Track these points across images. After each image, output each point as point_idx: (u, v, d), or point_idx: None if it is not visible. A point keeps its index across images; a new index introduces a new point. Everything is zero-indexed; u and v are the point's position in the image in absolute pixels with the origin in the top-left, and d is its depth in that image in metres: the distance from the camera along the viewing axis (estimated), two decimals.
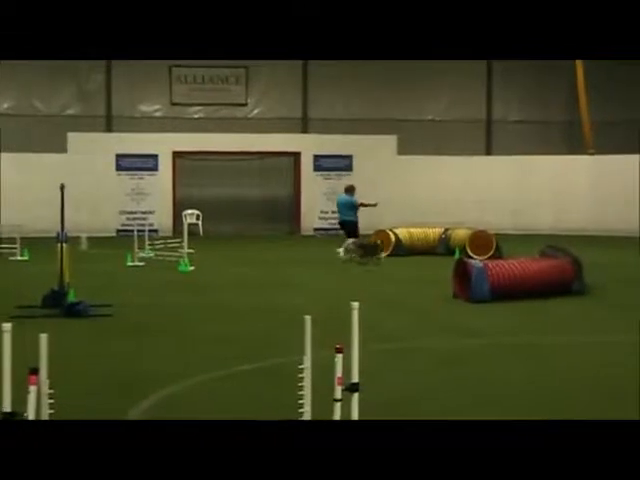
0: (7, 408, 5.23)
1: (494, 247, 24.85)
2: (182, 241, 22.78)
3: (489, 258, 22.30)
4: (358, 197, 25.00)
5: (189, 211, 26.54)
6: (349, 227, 24.39)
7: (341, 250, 23.83)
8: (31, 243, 25.75)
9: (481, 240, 25.36)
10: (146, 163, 35.94)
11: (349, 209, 24.56)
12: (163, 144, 35.84)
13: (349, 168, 36.86)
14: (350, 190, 24.99)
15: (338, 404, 6.40)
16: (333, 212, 36.31)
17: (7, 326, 5.25)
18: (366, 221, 29.59)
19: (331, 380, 6.43)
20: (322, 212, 36.68)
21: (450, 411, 8.61)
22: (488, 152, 39.95)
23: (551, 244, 20.06)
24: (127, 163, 35.80)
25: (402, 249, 26.12)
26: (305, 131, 38.79)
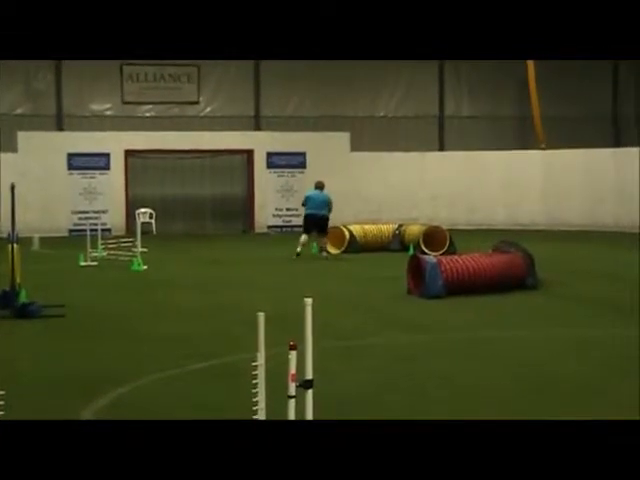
0: None
1: (448, 243, 24.94)
2: (135, 240, 22.63)
3: (443, 254, 22.37)
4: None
5: (142, 210, 26.41)
6: (325, 223, 24.44)
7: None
8: None
9: (435, 236, 25.45)
10: (98, 162, 35.68)
11: (326, 205, 24.51)
12: (115, 143, 35.60)
13: (302, 165, 36.85)
14: (322, 187, 24.91)
15: (292, 401, 6.38)
16: (288, 209, 36.41)
17: None
18: None
19: (285, 377, 6.41)
20: (276, 209, 36.64)
21: (404, 408, 8.63)
22: (441, 148, 40.11)
23: (504, 239, 20.17)
24: (79, 162, 35.50)
25: (356, 246, 26.15)
26: (258, 128, 38.72)
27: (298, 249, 23.82)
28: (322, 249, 24.44)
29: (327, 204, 24.45)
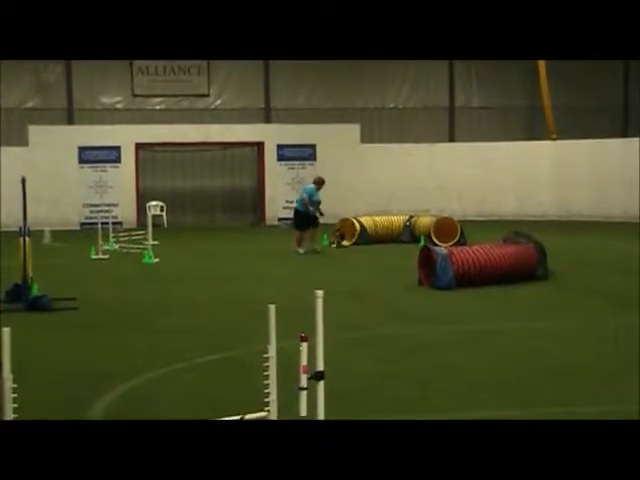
0: None
1: (458, 234, 24.92)
2: (146, 233, 22.68)
3: (453, 245, 22.37)
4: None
5: (153, 203, 26.43)
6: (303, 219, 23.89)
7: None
8: None
9: (445, 227, 25.43)
10: (108, 155, 35.72)
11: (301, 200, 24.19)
12: (125, 136, 35.63)
13: (313, 157, 36.83)
14: (320, 183, 24.31)
15: (304, 392, 6.40)
16: None
17: None
18: (330, 210, 29.60)
19: (296, 369, 6.44)
20: (287, 202, 36.61)
21: (414, 399, 8.65)
22: (451, 139, 40.05)
23: (514, 230, 20.15)
24: (89, 156, 35.56)
25: (366, 237, 26.17)
26: (268, 121, 38.71)
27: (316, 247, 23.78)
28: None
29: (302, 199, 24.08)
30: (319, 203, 23.76)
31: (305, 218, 23.66)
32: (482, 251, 16.96)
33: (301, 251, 23.01)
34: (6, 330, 5.32)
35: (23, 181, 14.84)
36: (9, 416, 5.35)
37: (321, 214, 23.75)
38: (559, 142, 36.56)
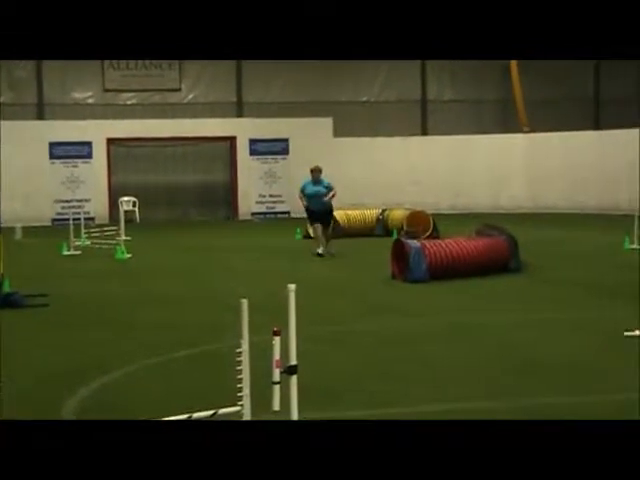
0: None
1: (431, 227, 24.98)
2: (119, 228, 22.60)
3: (426, 238, 22.41)
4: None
5: (125, 198, 26.43)
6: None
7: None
8: None
9: (418, 220, 25.48)
10: (80, 151, 35.58)
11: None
12: (97, 131, 35.50)
13: (285, 151, 36.82)
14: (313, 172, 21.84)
15: (277, 387, 6.39)
16: (271, 196, 36.43)
17: None
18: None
19: (269, 364, 6.42)
20: (260, 196, 36.61)
21: (389, 392, 8.65)
22: (424, 132, 40.11)
23: (487, 223, 20.22)
24: (61, 151, 35.40)
25: (339, 231, 26.16)
26: (240, 115, 38.66)
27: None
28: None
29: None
30: (315, 194, 21.26)
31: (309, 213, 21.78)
32: (455, 244, 17.00)
33: (320, 251, 20.98)
34: None
35: None
36: None
37: (307, 202, 21.45)
38: (532, 135, 36.70)
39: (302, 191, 21.65)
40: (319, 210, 21.42)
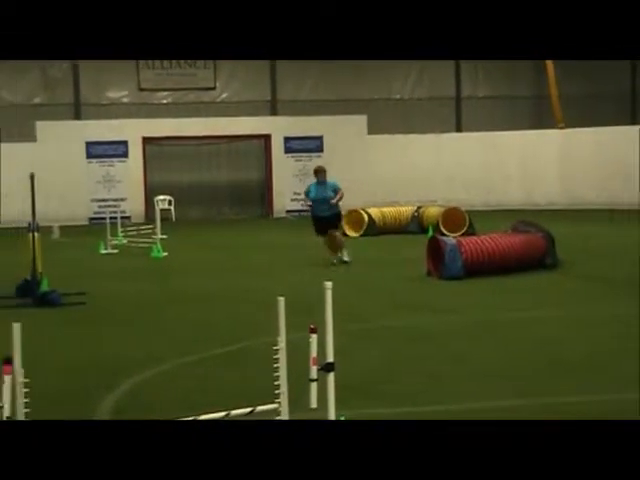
0: None
1: (467, 224, 24.93)
2: (154, 227, 22.72)
3: (462, 235, 22.36)
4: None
5: (161, 197, 26.50)
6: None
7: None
8: (3, 233, 25.61)
9: (453, 217, 25.43)
10: (116, 150, 35.77)
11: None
12: (132, 130, 35.67)
13: (319, 149, 36.83)
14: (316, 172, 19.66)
15: (314, 384, 6.41)
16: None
17: None
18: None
19: (305, 361, 6.44)
20: (294, 194, 36.62)
21: (423, 390, 8.66)
22: (458, 129, 40.02)
23: (522, 219, 20.14)
24: (97, 150, 35.62)
25: (374, 229, 26.18)
26: (274, 113, 38.71)
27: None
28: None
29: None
30: (320, 198, 18.91)
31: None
32: (491, 241, 16.96)
33: (334, 260, 19.01)
34: (17, 325, 5.34)
35: (32, 177, 14.89)
36: (21, 410, 5.38)
37: (308, 206, 19.51)
38: (565, 131, 36.50)
39: (307, 194, 19.38)
40: (325, 216, 18.86)
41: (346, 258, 19.07)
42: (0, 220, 31.29)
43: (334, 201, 18.75)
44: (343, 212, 25.91)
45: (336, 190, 18.87)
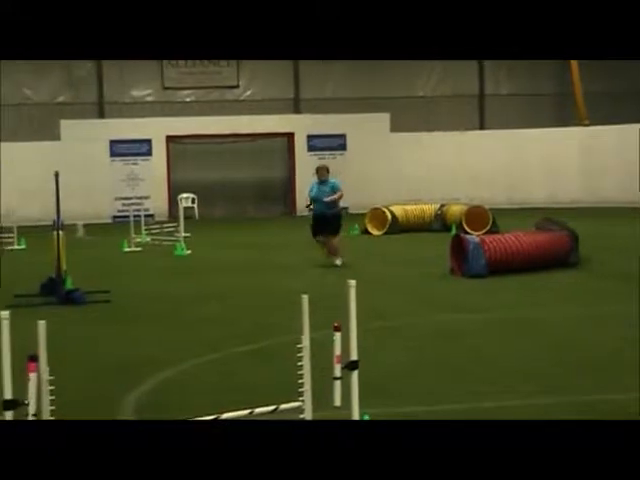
0: (8, 395, 5.25)
1: (490, 222, 24.88)
2: (178, 225, 22.79)
3: (485, 233, 22.31)
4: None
5: (184, 195, 26.65)
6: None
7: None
8: (27, 232, 25.74)
9: (477, 215, 25.39)
10: (140, 148, 35.92)
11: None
12: (156, 129, 35.80)
13: (343, 147, 36.84)
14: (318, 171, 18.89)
15: (338, 382, 6.41)
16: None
17: (5, 314, 5.26)
18: (360, 200, 29.73)
19: (328, 360, 6.44)
20: None
21: (448, 389, 8.65)
22: (481, 127, 39.92)
23: (546, 217, 20.08)
24: (121, 149, 35.77)
25: (397, 226, 26.16)
26: (297, 111, 38.74)
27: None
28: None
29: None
30: (318, 197, 18.29)
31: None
32: (514, 239, 16.92)
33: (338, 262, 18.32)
34: (42, 323, 5.37)
35: (56, 176, 14.96)
36: (46, 408, 5.41)
37: (309, 208, 18.92)
38: (589, 128, 36.35)
39: (309, 194, 18.69)
40: (322, 214, 18.23)
41: (338, 262, 18.24)
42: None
43: (328, 199, 18.02)
44: (366, 210, 25.96)
45: (335, 190, 18.18)
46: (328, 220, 18.14)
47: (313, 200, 18.37)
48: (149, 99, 38.45)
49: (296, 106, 39.02)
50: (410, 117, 38.26)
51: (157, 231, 24.38)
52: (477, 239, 16.87)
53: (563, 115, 39.21)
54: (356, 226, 26.11)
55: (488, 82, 40.29)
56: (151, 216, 32.90)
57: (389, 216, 26.33)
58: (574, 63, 36.39)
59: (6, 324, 5.25)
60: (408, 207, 27.51)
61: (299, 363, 6.40)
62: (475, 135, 38.33)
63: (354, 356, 6.42)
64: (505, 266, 16.27)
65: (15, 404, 5.27)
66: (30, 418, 5.30)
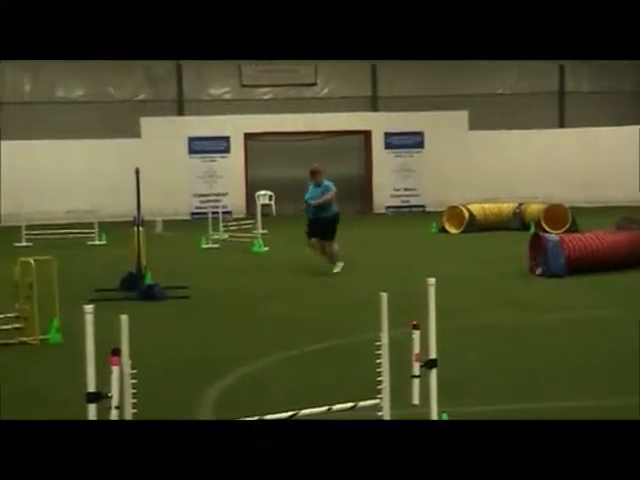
0: (91, 388, 5.34)
1: (569, 221, 24.61)
2: (255, 222, 22.92)
3: (565, 232, 22.08)
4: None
5: (262, 192, 26.72)
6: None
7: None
8: (107, 228, 26.09)
9: (556, 214, 25.14)
10: (218, 145, 36.19)
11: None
12: (234, 126, 36.03)
13: (420, 145, 36.73)
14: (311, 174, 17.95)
15: (416, 380, 6.40)
16: (405, 189, 36.37)
17: (89, 308, 5.35)
18: (438, 198, 29.62)
19: (405, 358, 6.43)
20: (394, 190, 36.60)
21: (524, 388, 8.59)
22: (561, 125, 39.49)
23: (627, 216, 19.79)
24: (199, 146, 36.08)
25: (475, 225, 26.00)
26: (375, 109, 38.70)
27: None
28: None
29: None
30: (311, 199, 17.46)
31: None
32: (594, 238, 16.71)
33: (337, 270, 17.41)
34: (124, 317, 5.44)
35: (137, 172, 15.15)
36: (128, 401, 5.48)
37: (304, 210, 17.90)
38: None
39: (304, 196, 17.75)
40: (315, 217, 17.44)
41: (337, 269, 17.41)
42: (0, 220, 32.07)
43: (314, 202, 17.19)
44: (443, 208, 25.82)
45: (327, 189, 17.34)
46: (322, 223, 17.40)
47: (306, 203, 17.52)
48: (227, 97, 38.72)
49: (373, 104, 38.98)
50: (489, 115, 37.97)
51: (235, 228, 24.53)
52: (556, 238, 16.70)
53: None
54: (434, 224, 26.01)
55: (569, 79, 39.81)
56: (229, 213, 33.10)
57: (467, 214, 26.18)
58: None
59: (90, 318, 5.33)
60: (486, 205, 27.33)
61: (377, 361, 6.39)
62: (554, 133, 37.92)
63: (433, 354, 6.40)
64: (584, 266, 16.07)
65: (98, 396, 5.36)
66: (113, 411, 5.38)
